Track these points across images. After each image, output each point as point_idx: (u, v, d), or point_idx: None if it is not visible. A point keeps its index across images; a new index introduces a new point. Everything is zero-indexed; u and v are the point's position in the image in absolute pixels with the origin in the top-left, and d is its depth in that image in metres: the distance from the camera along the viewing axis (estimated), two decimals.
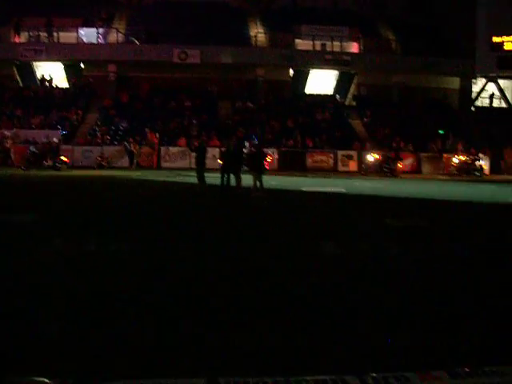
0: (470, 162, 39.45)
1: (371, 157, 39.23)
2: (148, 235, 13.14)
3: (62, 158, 35.44)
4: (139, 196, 22.32)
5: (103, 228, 14.17)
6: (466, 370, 5.45)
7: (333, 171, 38.74)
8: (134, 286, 8.64)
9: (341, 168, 39.94)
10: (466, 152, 40.24)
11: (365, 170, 38.48)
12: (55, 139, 37.33)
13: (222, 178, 23.24)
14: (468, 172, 38.89)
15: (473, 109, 50.50)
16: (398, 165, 38.00)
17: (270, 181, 25.01)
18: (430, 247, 12.45)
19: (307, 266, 10.36)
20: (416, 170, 40.64)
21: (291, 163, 38.77)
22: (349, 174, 37.01)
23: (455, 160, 40.06)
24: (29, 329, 6.69)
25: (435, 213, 18.80)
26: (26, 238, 12.36)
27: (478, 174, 38.65)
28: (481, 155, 39.73)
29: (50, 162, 35.08)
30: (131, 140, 38.43)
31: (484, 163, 39.91)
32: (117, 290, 8.44)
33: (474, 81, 50.54)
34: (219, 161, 25.03)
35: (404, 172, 38.61)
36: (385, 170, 37.64)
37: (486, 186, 31.34)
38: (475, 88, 51.11)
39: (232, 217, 17.10)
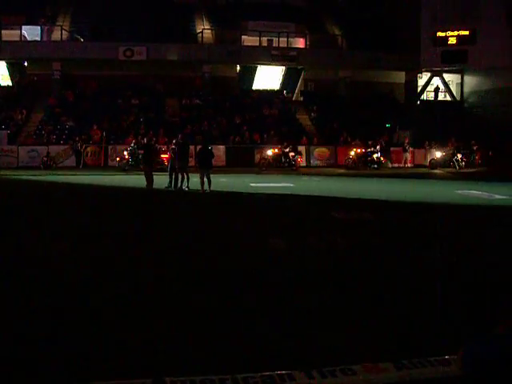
0: (364, 154, 38.49)
1: (270, 151, 37.85)
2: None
3: None
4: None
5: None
6: (412, 360, 5.52)
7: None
8: None
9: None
10: (363, 144, 39.37)
11: (265, 166, 36.63)
12: None
13: (170, 176, 23.19)
14: (365, 164, 38.05)
15: (418, 102, 51.16)
16: (298, 159, 37.43)
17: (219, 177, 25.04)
18: None
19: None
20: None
21: (239, 159, 38.63)
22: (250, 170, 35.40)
23: (352, 153, 38.91)
24: None
25: None
26: None
27: (375, 166, 37.95)
28: (378, 147, 38.80)
29: None
30: (78, 139, 37.97)
31: (380, 155, 38.69)
32: None
33: (419, 75, 51.13)
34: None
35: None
36: (285, 165, 36.84)
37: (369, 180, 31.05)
38: (421, 82, 51.75)
39: (180, 215, 17.04)
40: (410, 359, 5.52)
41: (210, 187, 22.09)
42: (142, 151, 29.70)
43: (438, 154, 40.38)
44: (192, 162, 27.52)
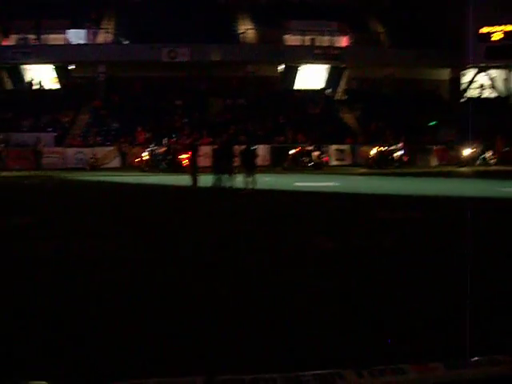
0: (386, 153, 37.50)
1: (292, 150, 37.15)
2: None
3: None
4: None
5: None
6: (460, 360, 5.48)
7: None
8: None
9: (334, 162, 39.82)
10: (385, 142, 38.31)
11: (287, 165, 36.27)
12: None
13: (215, 176, 23.30)
14: (386, 164, 36.87)
15: (463, 99, 50.55)
16: (324, 158, 36.89)
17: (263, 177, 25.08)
18: None
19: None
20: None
21: (284, 159, 38.55)
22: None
23: (372, 152, 37.84)
24: None
25: None
26: None
27: (396, 165, 36.84)
28: (400, 145, 37.79)
29: None
30: (122, 140, 38.37)
31: (404, 154, 37.58)
32: None
33: (464, 72, 50.55)
34: None
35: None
36: (308, 164, 36.15)
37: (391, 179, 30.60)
38: (465, 79, 51.14)
39: (223, 215, 17.09)
40: (459, 359, 5.48)
41: (254, 186, 22.15)
42: (183, 152, 30.17)
43: (466, 152, 39.05)
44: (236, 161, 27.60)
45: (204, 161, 29.64)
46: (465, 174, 33.43)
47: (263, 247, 11.90)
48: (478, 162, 38.59)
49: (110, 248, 11.75)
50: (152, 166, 34.51)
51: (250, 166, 22.59)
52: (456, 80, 50.23)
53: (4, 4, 46.19)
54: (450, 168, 37.11)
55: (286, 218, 16.36)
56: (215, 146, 26.24)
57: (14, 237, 13.14)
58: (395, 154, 37.43)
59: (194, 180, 23.30)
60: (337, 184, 26.41)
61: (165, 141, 35.79)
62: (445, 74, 50.03)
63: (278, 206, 19.25)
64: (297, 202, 20.46)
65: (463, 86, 50.74)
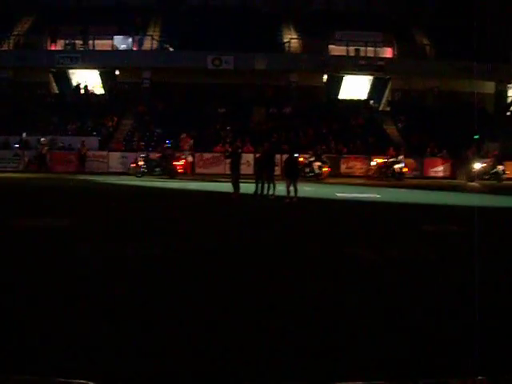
0: (388, 164, 36.77)
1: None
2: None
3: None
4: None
5: None
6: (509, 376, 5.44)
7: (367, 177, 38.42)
8: None
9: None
10: (388, 155, 37.43)
11: None
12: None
13: (257, 184, 23.36)
14: (386, 175, 36.34)
15: (509, 113, 49.99)
16: (324, 169, 35.85)
17: (304, 187, 25.06)
18: None
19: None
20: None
21: None
22: None
23: (373, 163, 37.77)
24: None
25: None
26: None
27: (397, 176, 36.05)
28: (400, 157, 36.86)
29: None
30: (165, 147, 38.65)
31: (403, 166, 36.53)
32: None
33: (509, 85, 50.02)
34: None
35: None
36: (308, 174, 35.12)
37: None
38: (511, 93, 50.59)
39: (267, 223, 17.12)
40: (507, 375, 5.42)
41: (296, 195, 22.15)
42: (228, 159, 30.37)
43: (478, 166, 37.66)
44: (278, 170, 27.60)
45: (247, 169, 29.81)
46: (470, 189, 31.44)
47: (305, 257, 11.86)
48: (487, 177, 37.28)
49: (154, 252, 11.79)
50: (145, 171, 35.12)
51: (292, 175, 22.59)
52: (501, 93, 49.69)
53: (52, 9, 47.05)
54: (457, 181, 36.22)
55: (331, 227, 16.31)
56: (258, 155, 26.37)
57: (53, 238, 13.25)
58: (395, 166, 36.61)
59: (237, 187, 23.35)
60: (377, 195, 26.29)
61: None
62: (490, 86, 49.45)
63: (324, 216, 19.22)
64: (343, 212, 20.43)
65: (509, 100, 50.19)
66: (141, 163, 35.33)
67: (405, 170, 36.85)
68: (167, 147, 36.94)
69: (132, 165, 36.16)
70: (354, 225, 17.05)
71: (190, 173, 37.55)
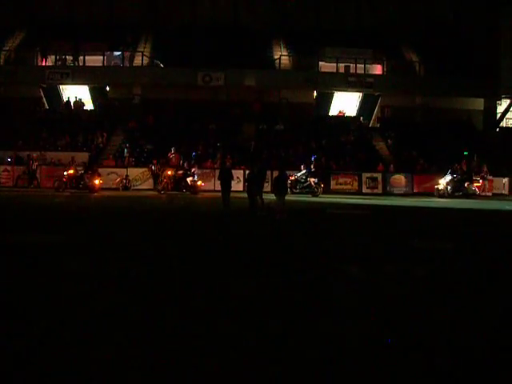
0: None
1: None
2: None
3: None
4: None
5: None
6: None
7: (357, 193, 38.56)
8: None
9: (365, 190, 39.86)
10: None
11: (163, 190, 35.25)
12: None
13: (250, 199, 23.33)
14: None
15: (498, 130, 50.31)
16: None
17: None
18: None
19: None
20: None
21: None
22: None
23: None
24: None
25: None
26: None
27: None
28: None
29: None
30: (155, 162, 38.66)
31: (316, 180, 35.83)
32: None
33: (498, 102, 50.36)
34: None
35: None
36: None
37: None
38: (500, 109, 50.91)
39: (256, 239, 17.03)
40: None
41: (285, 213, 22.06)
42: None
43: (444, 181, 37.18)
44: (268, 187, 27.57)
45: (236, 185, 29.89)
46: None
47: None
48: (459, 194, 36.97)
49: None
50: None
51: (282, 192, 22.55)
52: (490, 109, 50.00)
53: (43, 25, 47.15)
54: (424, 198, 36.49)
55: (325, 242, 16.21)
56: (248, 171, 26.42)
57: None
58: (310, 179, 36.07)
59: (226, 203, 23.29)
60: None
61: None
62: (479, 103, 49.78)
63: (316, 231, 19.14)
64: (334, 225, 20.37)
65: (498, 116, 50.50)
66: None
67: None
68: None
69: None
70: (345, 238, 16.96)
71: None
